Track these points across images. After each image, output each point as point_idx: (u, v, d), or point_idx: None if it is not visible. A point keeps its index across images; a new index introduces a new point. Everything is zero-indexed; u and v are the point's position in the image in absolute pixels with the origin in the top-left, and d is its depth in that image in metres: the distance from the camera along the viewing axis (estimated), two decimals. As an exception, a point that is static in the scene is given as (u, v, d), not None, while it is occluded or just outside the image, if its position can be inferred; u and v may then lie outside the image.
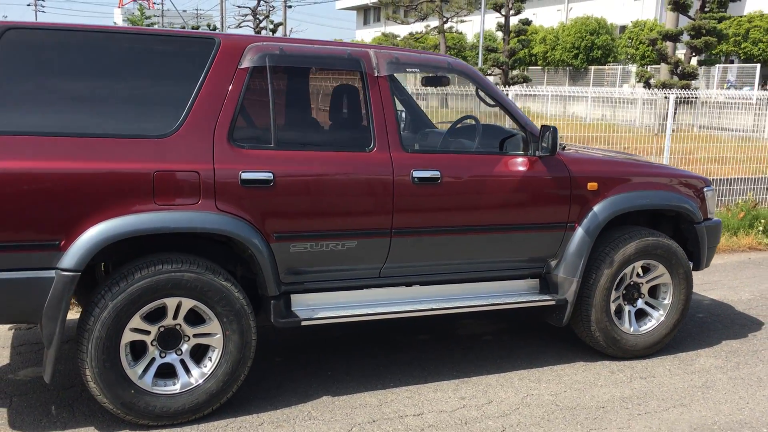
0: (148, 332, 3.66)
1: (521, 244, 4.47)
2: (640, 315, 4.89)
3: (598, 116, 15.06)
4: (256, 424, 3.80)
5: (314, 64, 4.17)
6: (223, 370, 3.78)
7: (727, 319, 5.75)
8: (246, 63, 3.82)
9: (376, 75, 4.09)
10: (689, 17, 22.82)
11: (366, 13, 71.56)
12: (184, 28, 68.81)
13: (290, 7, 67.29)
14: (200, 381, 3.76)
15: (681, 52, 25.31)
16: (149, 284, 3.55)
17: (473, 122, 4.87)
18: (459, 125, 4.97)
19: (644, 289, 4.87)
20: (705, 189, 5.01)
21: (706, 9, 23.03)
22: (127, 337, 3.59)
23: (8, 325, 5.03)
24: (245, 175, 3.70)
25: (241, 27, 62.39)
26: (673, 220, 5.05)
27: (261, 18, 59.46)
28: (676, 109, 15.39)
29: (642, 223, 5.04)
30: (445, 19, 32.13)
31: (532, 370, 4.62)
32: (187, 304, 3.68)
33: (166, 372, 3.76)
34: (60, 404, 3.93)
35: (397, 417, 3.93)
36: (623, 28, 39.98)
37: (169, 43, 3.81)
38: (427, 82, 5.32)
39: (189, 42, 3.84)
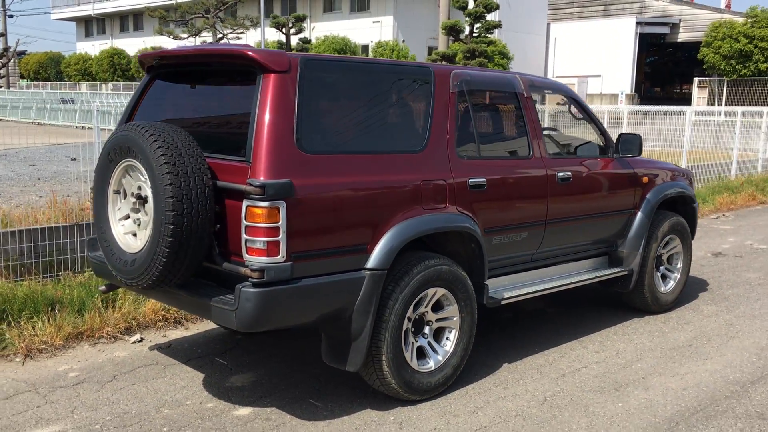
0: (410, 319, 4.23)
1: (609, 226, 5.67)
2: (663, 278, 6.35)
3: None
4: (485, 388, 4.53)
5: (489, 87, 5.00)
6: (461, 346, 4.46)
7: (681, 280, 7.46)
8: (453, 88, 4.54)
9: (525, 95, 5.02)
10: (462, 41, 25.89)
11: (87, 25, 67.69)
12: None
13: (11, 17, 61.78)
14: (446, 357, 4.40)
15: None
16: (424, 277, 4.14)
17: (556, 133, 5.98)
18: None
19: (665, 258, 6.34)
20: (692, 177, 6.63)
21: (475, 33, 26.27)
22: (405, 324, 4.14)
23: (152, 344, 5.06)
24: (471, 181, 4.44)
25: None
26: (669, 203, 6.57)
27: (-20, 29, 53.82)
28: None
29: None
30: (221, 36, 32.25)
31: (613, 327, 5.83)
32: (440, 292, 4.32)
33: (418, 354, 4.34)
34: (312, 397, 4.29)
35: (575, 371, 4.88)
36: (365, 48, 43.11)
37: (407, 72, 4.41)
38: None
39: (417, 71, 4.46)
